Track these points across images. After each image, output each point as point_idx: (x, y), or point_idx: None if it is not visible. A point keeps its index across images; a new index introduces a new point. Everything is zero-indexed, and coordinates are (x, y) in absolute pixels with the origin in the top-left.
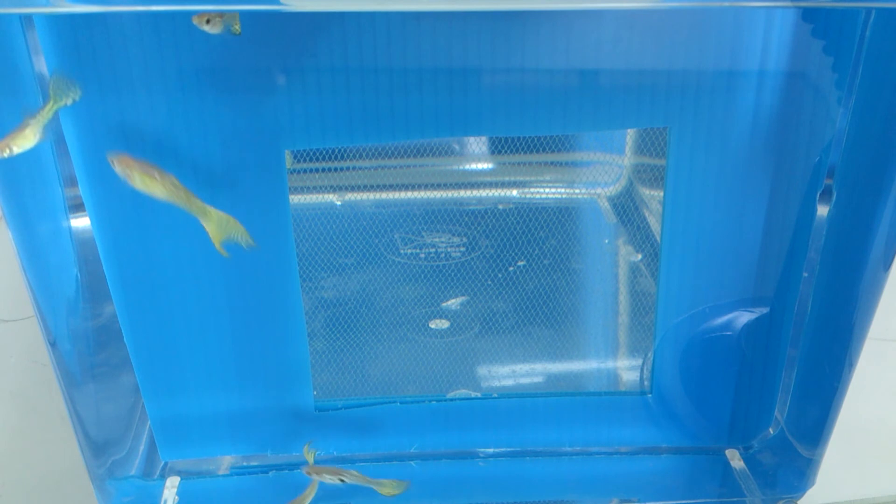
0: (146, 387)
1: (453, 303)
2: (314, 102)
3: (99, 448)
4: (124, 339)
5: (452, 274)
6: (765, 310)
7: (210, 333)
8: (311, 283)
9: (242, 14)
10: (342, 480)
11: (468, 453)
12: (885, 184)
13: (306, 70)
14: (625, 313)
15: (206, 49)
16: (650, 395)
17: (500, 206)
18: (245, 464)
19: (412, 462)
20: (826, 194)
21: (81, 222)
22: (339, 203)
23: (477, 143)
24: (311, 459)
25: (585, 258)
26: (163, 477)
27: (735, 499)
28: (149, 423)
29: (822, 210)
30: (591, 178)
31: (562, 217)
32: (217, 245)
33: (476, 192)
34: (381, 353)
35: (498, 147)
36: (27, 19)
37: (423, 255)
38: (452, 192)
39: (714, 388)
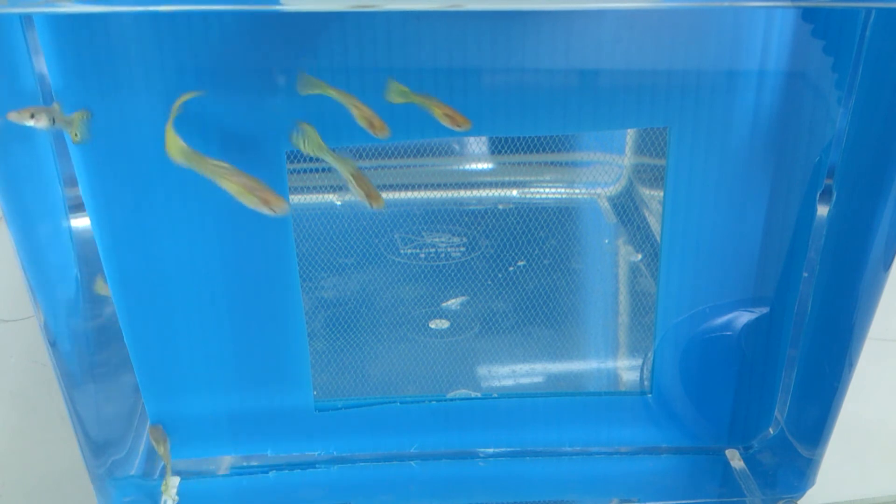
0: (146, 387)
1: (453, 303)
2: (314, 102)
3: (99, 448)
4: (124, 339)
5: (452, 274)
6: (765, 310)
7: (210, 333)
8: (311, 283)
9: (243, 14)
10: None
11: (468, 453)
12: (885, 184)
13: (306, 70)
14: (625, 313)
15: (206, 49)
16: (650, 395)
17: (500, 206)
18: (245, 464)
19: (412, 462)
20: (826, 194)
21: (81, 222)
22: (339, 203)
23: (477, 143)
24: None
25: (585, 258)
26: (163, 477)
27: (735, 499)
28: (149, 423)
29: (822, 210)
30: (591, 178)
31: (562, 217)
32: None
33: (476, 192)
34: (381, 353)
35: (498, 147)
36: (27, 19)
37: (423, 255)
38: (452, 192)
39: (714, 388)
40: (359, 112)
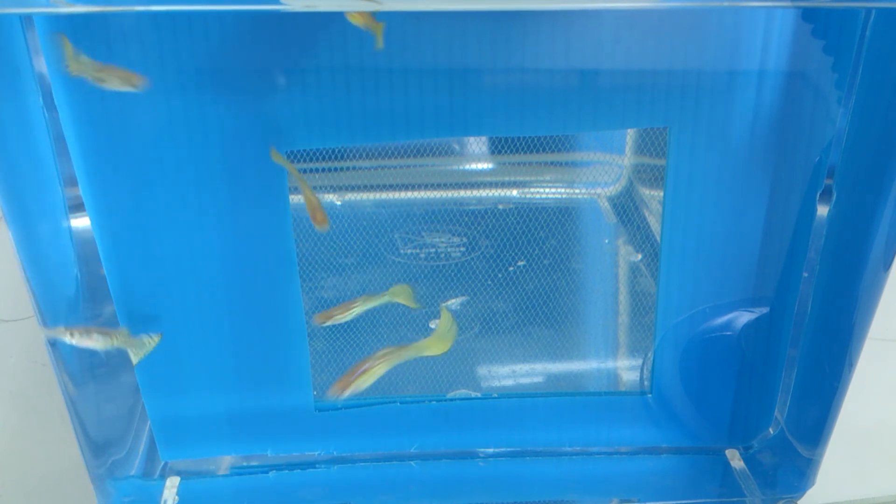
0: (146, 387)
1: (453, 303)
2: (314, 102)
3: (99, 448)
4: None
5: (452, 274)
6: (765, 310)
7: (210, 333)
8: (311, 283)
9: (243, 14)
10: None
11: (468, 453)
12: (885, 184)
13: (306, 70)
14: (625, 313)
15: (206, 49)
16: (650, 395)
17: (500, 206)
18: (245, 464)
19: (412, 462)
20: (826, 194)
21: (81, 222)
22: (339, 203)
23: (477, 143)
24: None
25: (585, 258)
26: (163, 477)
27: (735, 499)
28: (149, 423)
29: (822, 210)
30: (591, 178)
31: (562, 217)
32: None
33: (476, 192)
34: None
35: (498, 147)
36: (27, 19)
37: (423, 255)
38: (452, 192)
39: (714, 388)
40: (308, 201)
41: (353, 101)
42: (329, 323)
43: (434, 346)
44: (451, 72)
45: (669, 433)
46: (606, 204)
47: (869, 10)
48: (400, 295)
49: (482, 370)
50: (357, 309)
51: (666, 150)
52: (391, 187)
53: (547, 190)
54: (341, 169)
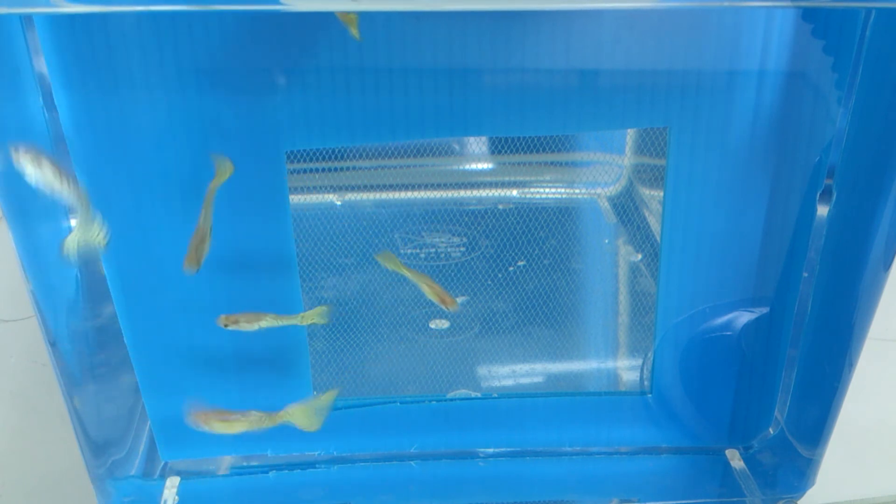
0: (146, 387)
1: None
2: (314, 102)
3: (99, 448)
4: (124, 339)
5: (452, 274)
6: (765, 310)
7: (210, 333)
8: (311, 283)
9: (243, 14)
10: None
11: (468, 453)
12: (885, 184)
13: (306, 70)
14: (625, 313)
15: (206, 49)
16: (650, 395)
17: (500, 206)
18: (245, 464)
19: (412, 462)
20: (826, 194)
21: None
22: (339, 203)
23: (477, 143)
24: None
25: (585, 258)
26: (163, 477)
27: (735, 499)
28: (149, 423)
29: (822, 210)
30: (591, 178)
31: (562, 217)
32: None
33: (476, 192)
34: (381, 352)
35: (498, 147)
36: (27, 19)
37: (423, 255)
38: (452, 192)
39: (714, 388)
40: (430, 290)
41: (353, 101)
42: (231, 328)
43: (297, 415)
44: (451, 72)
45: (669, 433)
46: (606, 204)
47: (869, 10)
48: (312, 318)
49: (482, 370)
50: (265, 322)
51: (666, 150)
52: (391, 187)
53: (547, 190)
54: (341, 169)
